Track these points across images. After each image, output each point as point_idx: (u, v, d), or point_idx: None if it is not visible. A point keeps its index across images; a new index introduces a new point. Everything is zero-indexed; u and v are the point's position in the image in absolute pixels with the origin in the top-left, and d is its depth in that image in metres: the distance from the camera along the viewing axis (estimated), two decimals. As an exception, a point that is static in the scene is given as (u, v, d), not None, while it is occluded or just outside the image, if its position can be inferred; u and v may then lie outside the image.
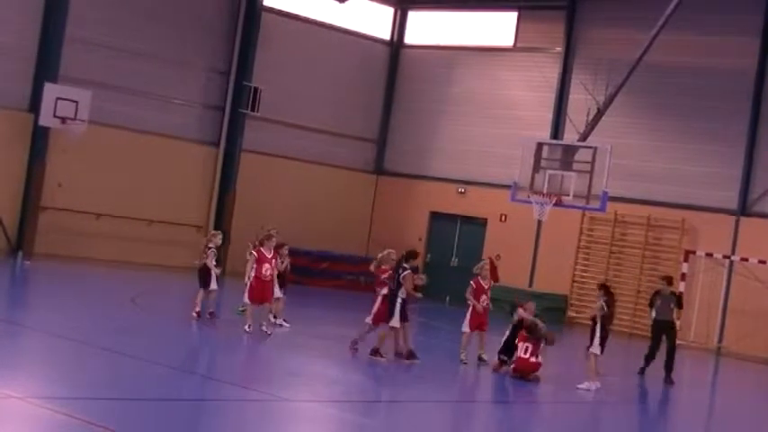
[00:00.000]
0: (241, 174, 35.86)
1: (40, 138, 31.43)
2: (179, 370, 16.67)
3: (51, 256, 31.06)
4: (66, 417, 12.05)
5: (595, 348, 19.42)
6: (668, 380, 22.14)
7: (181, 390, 15.21)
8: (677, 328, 23.26)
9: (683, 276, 32.07)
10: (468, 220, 37.60)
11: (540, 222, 33.13)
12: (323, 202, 37.84)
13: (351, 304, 32.58)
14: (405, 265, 19.61)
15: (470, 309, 20.80)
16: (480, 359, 20.67)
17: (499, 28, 38.01)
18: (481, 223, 37.20)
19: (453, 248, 37.22)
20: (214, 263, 21.89)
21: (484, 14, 38.77)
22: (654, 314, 22.94)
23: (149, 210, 33.92)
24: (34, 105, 31.14)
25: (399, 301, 19.50)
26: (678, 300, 23.39)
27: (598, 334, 19.49)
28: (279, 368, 18.51)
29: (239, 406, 14.27)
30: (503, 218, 36.33)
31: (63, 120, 30.73)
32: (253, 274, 20.59)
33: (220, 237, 22.73)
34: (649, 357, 22.81)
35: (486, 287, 21.02)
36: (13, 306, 22.57)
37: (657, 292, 23.06)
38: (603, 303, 19.56)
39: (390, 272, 19.85)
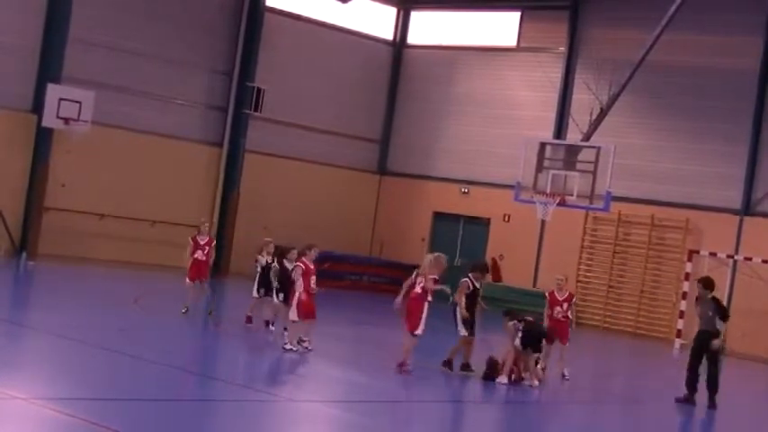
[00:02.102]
0: (244, 174, 35.88)
1: (43, 138, 31.45)
2: (181, 370, 16.67)
3: (55, 257, 31.09)
4: (69, 417, 12.06)
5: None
6: (711, 404, 19.27)
7: (183, 390, 15.22)
8: (718, 345, 19.35)
9: (687, 276, 32.02)
10: (471, 220, 37.60)
11: (543, 222, 33.16)
12: (326, 202, 37.86)
13: (353, 304, 32.65)
14: (470, 274, 19.30)
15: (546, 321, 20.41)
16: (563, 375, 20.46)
17: (502, 28, 38.01)
18: (484, 223, 37.20)
19: (457, 248, 37.18)
20: (260, 270, 21.64)
21: (486, 14, 38.78)
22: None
23: (152, 210, 33.93)
24: (37, 106, 31.16)
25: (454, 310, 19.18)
26: (717, 307, 19.43)
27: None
28: (280, 368, 18.50)
29: (241, 406, 14.27)
30: (506, 218, 36.32)
31: (66, 120, 30.75)
32: (301, 290, 19.27)
33: (272, 245, 21.96)
34: (691, 381, 19.44)
35: (561, 299, 20.65)
36: (16, 307, 22.60)
37: (698, 299, 19.90)
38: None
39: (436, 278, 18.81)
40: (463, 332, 19.23)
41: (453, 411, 17.07)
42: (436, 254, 19.28)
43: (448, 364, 19.28)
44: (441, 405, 17.39)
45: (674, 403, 19.39)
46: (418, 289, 18.55)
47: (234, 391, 15.40)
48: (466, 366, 19.28)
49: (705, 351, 19.34)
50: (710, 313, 19.33)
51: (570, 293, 21.13)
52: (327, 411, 15.04)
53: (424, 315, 18.46)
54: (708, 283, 19.62)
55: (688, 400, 19.39)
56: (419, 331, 18.40)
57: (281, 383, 16.85)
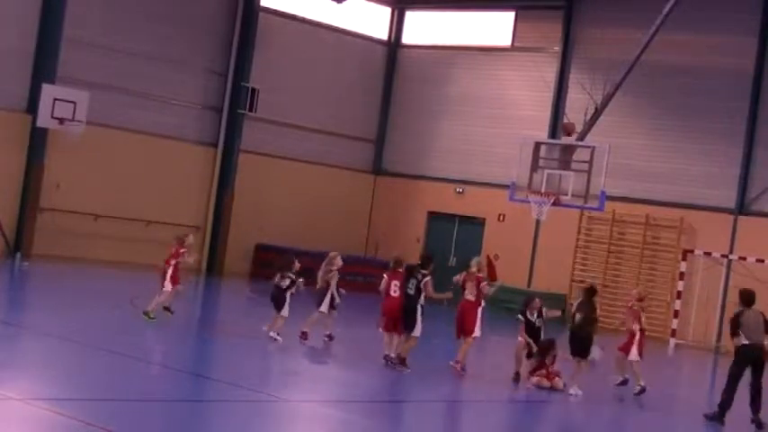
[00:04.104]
0: (239, 174, 35.87)
1: (38, 139, 31.42)
2: (178, 371, 16.68)
3: (50, 257, 31.06)
4: (65, 418, 12.06)
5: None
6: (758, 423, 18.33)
7: (180, 390, 15.23)
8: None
9: (682, 275, 32.09)
10: (466, 219, 37.61)
11: (538, 222, 33.16)
12: (321, 202, 37.85)
13: (349, 304, 32.59)
14: (423, 271, 19.13)
15: (638, 335, 20.25)
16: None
17: (496, 28, 38.03)
18: (479, 223, 37.21)
19: (451, 248, 37.20)
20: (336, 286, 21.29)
21: (481, 14, 38.79)
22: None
23: (147, 211, 33.91)
24: (32, 106, 31.12)
25: (420, 309, 18.98)
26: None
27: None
28: (278, 368, 18.51)
29: (239, 406, 14.28)
30: (501, 217, 36.34)
31: (61, 121, 30.72)
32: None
33: (340, 258, 21.74)
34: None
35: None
36: (11, 307, 22.56)
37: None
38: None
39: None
40: (419, 332, 19.07)
41: (451, 411, 17.09)
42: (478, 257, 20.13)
43: (402, 361, 18.96)
44: (439, 405, 17.41)
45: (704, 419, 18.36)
46: (471, 297, 19.18)
47: (230, 391, 15.39)
48: (403, 361, 19.03)
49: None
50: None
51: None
52: (324, 411, 15.05)
53: (479, 319, 19.18)
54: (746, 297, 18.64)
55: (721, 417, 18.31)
56: (477, 334, 19.18)
57: (278, 383, 16.84)
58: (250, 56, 35.82)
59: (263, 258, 36.26)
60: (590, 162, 28.76)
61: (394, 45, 40.36)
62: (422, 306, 18.94)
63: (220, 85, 35.78)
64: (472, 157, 37.39)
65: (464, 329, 19.27)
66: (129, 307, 23.48)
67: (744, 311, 18.38)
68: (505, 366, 20.40)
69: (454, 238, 37.86)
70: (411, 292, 18.96)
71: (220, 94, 35.77)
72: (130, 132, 33.45)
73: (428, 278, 18.97)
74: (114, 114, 32.93)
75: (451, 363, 19.23)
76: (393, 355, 19.01)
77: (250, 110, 35.47)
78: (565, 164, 29.70)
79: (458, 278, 19.70)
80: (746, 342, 18.22)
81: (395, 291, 19.09)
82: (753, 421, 18.18)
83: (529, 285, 35.18)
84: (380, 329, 19.45)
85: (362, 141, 39.76)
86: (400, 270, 19.38)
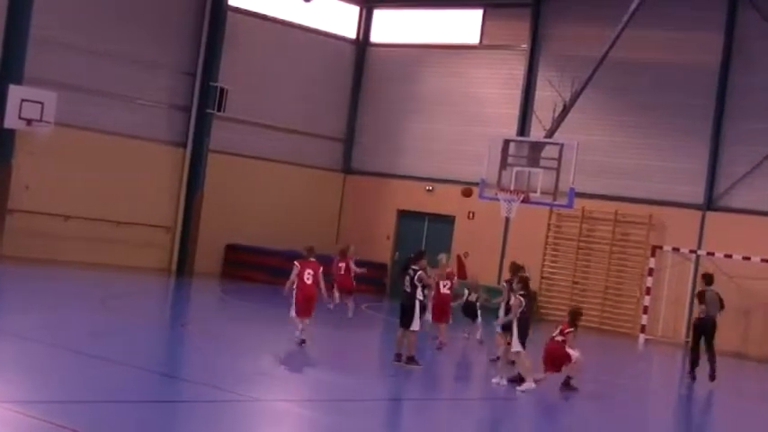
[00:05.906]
0: (208, 174, 35.78)
1: (5, 140, 31.18)
2: (150, 371, 16.64)
3: (19, 259, 30.89)
4: (37, 421, 12.02)
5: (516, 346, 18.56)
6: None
7: (152, 391, 15.18)
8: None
9: (651, 271, 32.28)
10: (435, 217, 37.67)
11: (507, 219, 33.26)
12: (290, 201, 37.83)
13: (320, 303, 32.58)
14: (414, 266, 19.62)
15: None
16: None
17: (465, 26, 38.12)
18: (449, 221, 37.29)
19: (422, 246, 37.20)
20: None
21: (449, 12, 38.86)
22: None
23: (117, 211, 33.81)
24: (-1, 107, 30.94)
25: (419, 304, 19.47)
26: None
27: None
28: (249, 368, 18.48)
29: (211, 406, 14.26)
30: (470, 215, 36.43)
31: (28, 121, 30.53)
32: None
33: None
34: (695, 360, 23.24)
35: None
36: (-19, 310, 22.44)
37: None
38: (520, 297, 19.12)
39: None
40: (417, 327, 19.54)
41: (425, 409, 17.12)
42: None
43: (412, 359, 19.35)
44: (412, 403, 17.44)
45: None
46: (446, 290, 23.28)
47: (203, 391, 15.37)
48: (412, 359, 19.44)
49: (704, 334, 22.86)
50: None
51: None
52: (297, 411, 15.05)
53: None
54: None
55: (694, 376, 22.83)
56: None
57: (250, 383, 16.82)
58: (218, 55, 35.75)
59: (234, 258, 36.24)
60: (559, 159, 28.91)
61: (362, 44, 40.39)
62: (419, 301, 19.46)
63: (189, 84, 35.69)
64: (441, 155, 37.47)
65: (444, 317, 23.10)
66: (100, 308, 23.42)
67: (706, 290, 22.99)
68: (478, 365, 20.46)
69: (424, 236, 37.91)
70: (408, 288, 19.43)
71: (189, 94, 35.68)
72: (99, 133, 33.32)
73: (420, 272, 19.48)
74: (82, 115, 32.79)
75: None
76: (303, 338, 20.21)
77: (219, 109, 35.41)
78: (533, 161, 29.83)
79: (430, 277, 20.67)
80: (703, 315, 22.75)
81: (308, 278, 20.45)
82: (711, 378, 22.43)
83: (499, 282, 35.22)
84: (293, 316, 20.30)
85: (332, 140, 39.75)
86: (312, 259, 20.63)
